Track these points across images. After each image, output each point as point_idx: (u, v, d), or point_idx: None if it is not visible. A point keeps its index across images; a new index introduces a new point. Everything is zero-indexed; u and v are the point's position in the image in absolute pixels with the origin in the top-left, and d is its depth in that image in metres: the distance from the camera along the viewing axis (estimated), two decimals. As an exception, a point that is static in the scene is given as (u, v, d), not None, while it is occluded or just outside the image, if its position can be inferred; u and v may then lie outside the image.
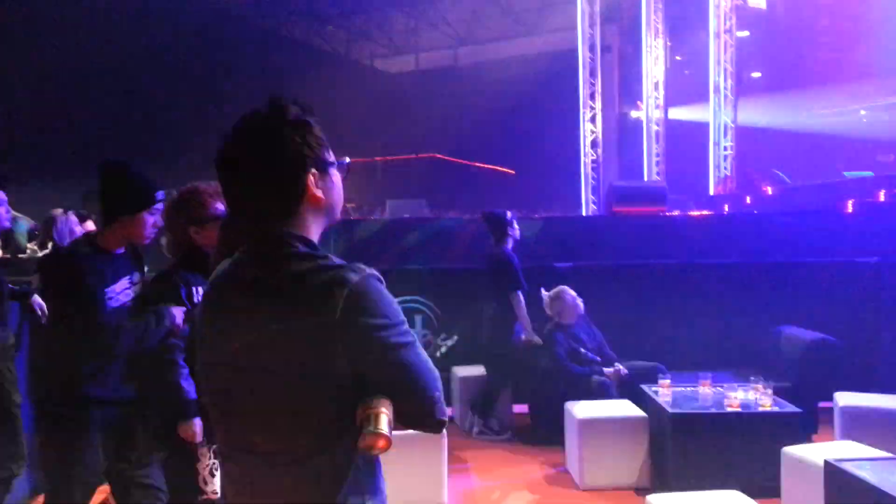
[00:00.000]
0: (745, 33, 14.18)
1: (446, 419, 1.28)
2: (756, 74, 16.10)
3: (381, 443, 1.15)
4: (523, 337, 5.19)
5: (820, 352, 5.05)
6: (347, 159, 1.39)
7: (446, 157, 15.15)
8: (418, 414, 1.25)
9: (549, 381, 5.13)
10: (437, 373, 1.27)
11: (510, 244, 5.33)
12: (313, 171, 1.27)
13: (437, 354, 5.82)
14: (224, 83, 14.15)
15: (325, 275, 1.19)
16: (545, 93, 15.81)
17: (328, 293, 1.17)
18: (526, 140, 16.59)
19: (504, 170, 15.33)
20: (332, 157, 1.33)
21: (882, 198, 7.03)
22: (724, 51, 12.41)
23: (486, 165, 15.62)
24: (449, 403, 5.63)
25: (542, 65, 16.64)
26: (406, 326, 1.24)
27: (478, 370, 5.50)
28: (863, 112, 15.62)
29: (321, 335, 1.16)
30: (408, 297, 5.78)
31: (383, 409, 1.18)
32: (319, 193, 1.28)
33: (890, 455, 3.48)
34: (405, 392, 1.22)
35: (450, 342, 5.87)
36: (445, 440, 4.05)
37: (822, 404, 4.87)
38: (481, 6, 18.82)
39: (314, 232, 1.31)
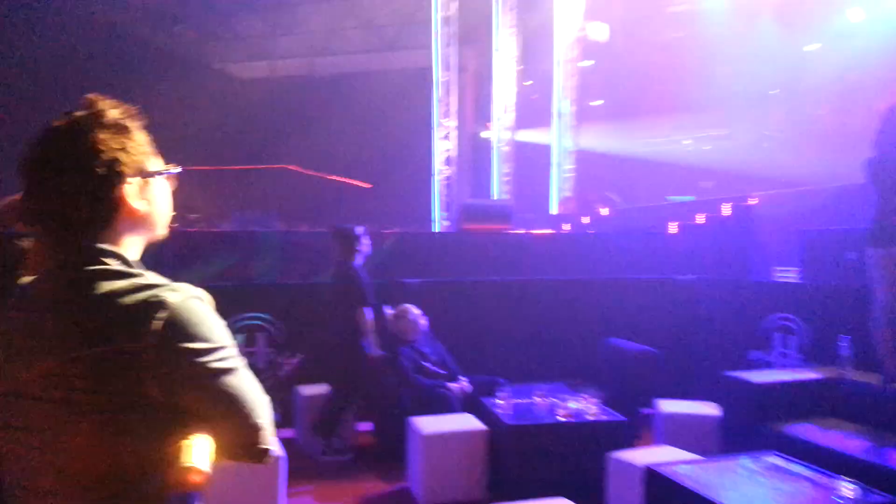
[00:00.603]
0: (591, 62, 15.13)
1: (273, 450, 1.21)
2: (598, 102, 17.21)
3: (196, 477, 1.06)
4: (369, 354, 5.16)
5: (642, 362, 5.45)
6: (176, 168, 1.29)
7: (299, 169, 14.83)
8: (241, 444, 1.16)
9: (394, 397, 5.14)
10: (264, 399, 1.19)
11: (359, 259, 5.30)
12: (132, 180, 1.17)
13: (281, 373, 5.66)
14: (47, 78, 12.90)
15: (139, 295, 1.09)
16: (402, 109, 15.94)
17: (143, 315, 1.07)
18: (383, 155, 16.62)
19: (359, 183, 15.25)
20: (157, 166, 1.24)
21: (700, 220, 7.72)
22: (567, 79, 13.15)
23: (341, 178, 15.46)
24: (292, 424, 5.48)
25: (400, 81, 16.77)
26: (231, 350, 1.16)
27: (323, 389, 5.40)
28: (686, 142, 17.16)
29: (133, 362, 1.06)
30: (250, 314, 5.58)
31: (200, 441, 1.10)
32: (138, 205, 1.18)
33: (702, 458, 3.80)
34: (226, 421, 1.13)
35: (294, 360, 5.72)
36: (284, 464, 3.93)
37: (645, 411, 5.25)
38: (341, 18, 18.71)
39: (131, 247, 1.20)
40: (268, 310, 5.66)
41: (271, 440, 1.18)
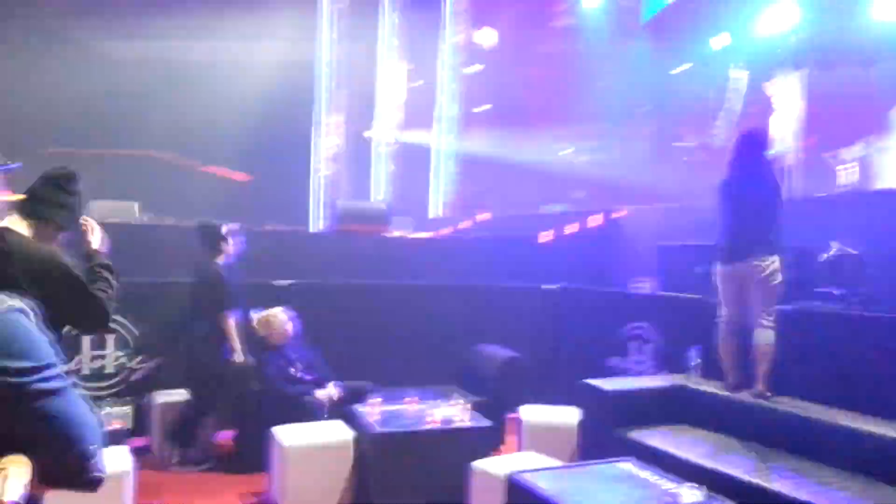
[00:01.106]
0: (476, 68, 15.37)
1: (102, 476, 1.08)
2: (482, 108, 17.52)
3: None
4: (232, 359, 4.95)
5: (510, 368, 5.59)
6: (14, 164, 1.13)
7: (169, 157, 14.03)
8: (65, 472, 1.05)
9: (258, 404, 4.96)
10: (93, 422, 1.07)
11: (224, 259, 5.08)
12: None
13: (133, 378, 5.31)
14: None
15: None
16: (284, 102, 15.45)
17: None
18: (262, 148, 16.05)
19: (235, 175, 14.65)
20: None
21: (570, 231, 8.03)
22: (453, 82, 13.29)
23: (215, 169, 14.77)
24: (146, 433, 5.16)
25: (283, 73, 16.27)
26: (55, 369, 1.03)
27: (180, 395, 5.12)
28: (565, 151, 17.84)
29: None
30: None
31: (13, 469, 0.97)
32: None
33: (563, 464, 3.92)
34: (49, 447, 1.02)
35: (150, 365, 5.38)
36: (133, 477, 3.69)
37: (511, 416, 5.37)
38: (223, 2, 17.89)
39: None
40: (119, 310, 5.29)
41: (100, 467, 1.07)
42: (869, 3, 9.03)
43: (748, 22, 10.11)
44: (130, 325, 5.34)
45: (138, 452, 4.64)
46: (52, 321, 1.69)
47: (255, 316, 5.15)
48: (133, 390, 5.28)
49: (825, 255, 4.95)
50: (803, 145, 11.79)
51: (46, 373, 1.02)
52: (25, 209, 2.33)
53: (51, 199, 2.37)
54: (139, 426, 5.09)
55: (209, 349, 4.93)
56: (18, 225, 2.26)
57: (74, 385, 1.06)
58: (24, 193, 2.39)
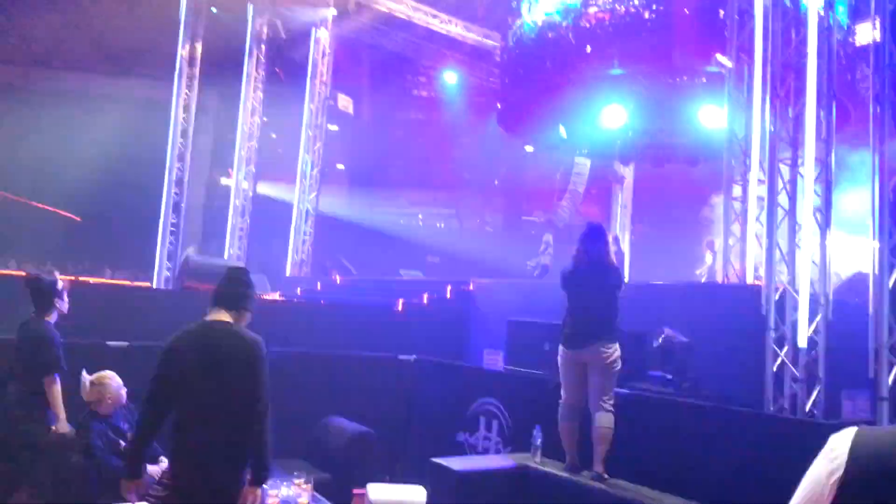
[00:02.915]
0: (335, 128, 15.47)
1: None
2: (340, 166, 17.60)
3: None
4: (54, 427, 4.47)
5: (360, 443, 5.48)
6: None
7: (5, 195, 12.75)
8: None
9: (81, 478, 4.48)
10: None
11: (55, 317, 4.64)
12: None
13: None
14: None
15: None
16: (134, 142, 14.66)
17: None
18: (105, 188, 15.03)
19: (68, 214, 13.54)
20: None
21: (425, 300, 8.16)
22: (313, 141, 13.26)
23: (46, 207, 13.57)
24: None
25: (133, 111, 15.46)
26: None
27: (-13, 469, 4.52)
28: (420, 216, 18.30)
29: None
30: None
31: None
32: None
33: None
34: None
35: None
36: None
37: (359, 492, 5.24)
38: (67, 33, 16.78)
39: None
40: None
41: None
42: (695, 110, 10.17)
43: (590, 117, 11.01)
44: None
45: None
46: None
47: (87, 378, 4.70)
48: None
49: (658, 341, 5.38)
50: (632, 232, 12.94)
51: None
52: (223, 303, 3.35)
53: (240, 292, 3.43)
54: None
55: (27, 415, 4.43)
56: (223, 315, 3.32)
57: None
58: (216, 292, 3.41)
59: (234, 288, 3.41)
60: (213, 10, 13.32)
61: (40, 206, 14.26)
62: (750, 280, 6.73)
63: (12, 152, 14.32)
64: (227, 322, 3.29)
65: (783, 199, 6.17)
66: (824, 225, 5.84)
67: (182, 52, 12.09)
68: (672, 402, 4.89)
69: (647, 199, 12.58)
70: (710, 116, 10.54)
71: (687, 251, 11.79)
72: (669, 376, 5.46)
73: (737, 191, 7.54)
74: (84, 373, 4.70)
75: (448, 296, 8.21)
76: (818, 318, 5.56)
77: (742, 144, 7.48)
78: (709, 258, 10.38)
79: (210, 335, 3.28)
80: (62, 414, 4.49)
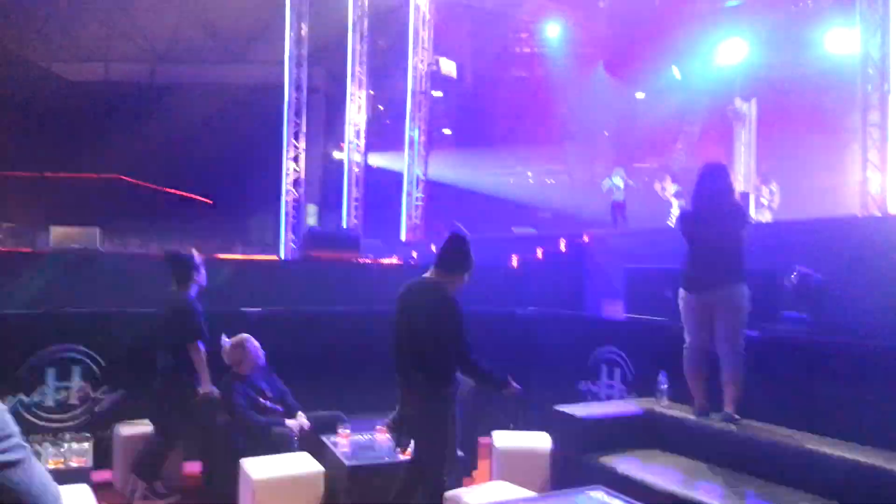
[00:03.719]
0: (439, 93, 15.52)
1: None
2: (447, 131, 17.68)
3: None
4: (201, 390, 4.85)
5: (482, 393, 5.55)
6: None
7: (133, 180, 13.80)
8: None
9: (226, 435, 4.86)
10: (56, 492, 1.03)
11: (194, 290, 4.99)
12: None
13: (97, 409, 5.17)
14: None
15: None
16: (249, 125, 15.44)
17: None
18: (227, 171, 15.96)
19: (201, 198, 14.48)
20: None
21: (539, 255, 8.10)
22: (419, 108, 13.39)
23: (179, 192, 14.58)
24: (109, 466, 5.02)
25: (247, 96, 16.25)
26: (14, 440, 0.98)
27: (145, 427, 4.99)
28: (530, 174, 18.09)
29: None
30: (63, 346, 5.06)
31: None
32: None
33: (534, 495, 3.92)
34: None
35: (115, 396, 5.25)
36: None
37: (483, 440, 5.35)
38: (184, 24, 17.79)
39: None
40: (84, 340, 5.16)
41: None
42: (821, 35, 9.38)
43: (705, 54, 10.41)
44: (96, 355, 5.20)
45: (101, 488, 4.51)
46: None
47: (227, 342, 5.06)
48: (97, 422, 5.13)
49: (791, 279, 5.07)
50: (757, 171, 12.16)
51: (5, 444, 0.98)
52: (439, 264, 3.86)
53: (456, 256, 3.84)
54: (102, 460, 4.94)
55: (177, 380, 4.83)
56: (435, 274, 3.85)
57: (34, 454, 1.02)
58: (438, 255, 3.86)
59: (448, 251, 3.87)
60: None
61: (175, 192, 15.34)
62: (893, 210, 6.17)
63: (145, 145, 15.45)
64: (435, 280, 3.85)
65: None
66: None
67: (290, 33, 12.49)
68: (807, 341, 4.60)
69: (772, 135, 11.76)
70: (838, 41, 9.70)
71: (817, 187, 10.97)
72: (805, 316, 5.15)
73: (874, 117, 6.91)
74: (224, 337, 5.06)
75: (563, 249, 8.11)
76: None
77: (879, 66, 6.82)
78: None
79: (418, 289, 3.91)
80: (207, 377, 4.84)
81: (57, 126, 14.96)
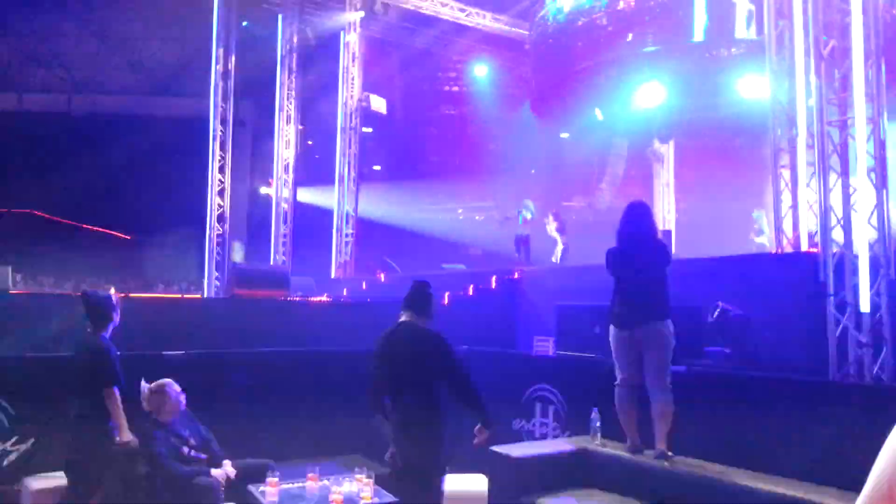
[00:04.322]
0: (369, 129, 15.55)
1: None
2: (377, 167, 17.70)
3: None
4: (118, 439, 4.57)
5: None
6: None
7: (47, 216, 13.14)
8: None
9: (147, 487, 4.59)
10: None
11: (109, 330, 4.74)
12: None
13: (5, 463, 4.80)
14: None
15: None
16: (174, 159, 15.04)
17: None
18: (149, 207, 15.44)
19: (118, 234, 13.91)
20: None
21: (470, 292, 8.13)
22: (349, 144, 13.36)
23: (97, 228, 13.97)
24: (15, 525, 4.65)
25: (172, 129, 15.86)
26: None
27: (58, 480, 4.65)
28: (460, 210, 18.27)
29: None
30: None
31: None
32: None
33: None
34: None
35: (23, 447, 4.89)
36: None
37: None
38: (106, 55, 17.29)
39: None
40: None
41: None
42: (734, 81, 9.91)
43: (625, 97, 10.83)
44: (5, 403, 4.84)
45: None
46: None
47: (146, 386, 4.81)
48: (3, 476, 4.75)
49: (713, 315, 5.25)
50: (677, 209, 12.69)
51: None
52: (409, 307, 4.25)
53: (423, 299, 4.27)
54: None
55: (92, 428, 4.54)
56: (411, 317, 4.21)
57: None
58: (406, 299, 4.28)
59: (416, 296, 4.28)
60: (244, 23, 13.53)
61: (91, 227, 14.70)
62: (805, 248, 6.52)
63: (60, 178, 14.79)
64: (414, 322, 4.19)
65: (835, 162, 5.95)
66: (881, 185, 5.62)
67: (217, 66, 12.29)
68: (733, 377, 4.76)
69: (689, 176, 12.31)
70: (750, 86, 10.27)
71: (734, 225, 11.51)
72: (727, 350, 5.33)
73: (784, 160, 7.32)
74: (143, 382, 4.81)
75: (493, 286, 8.16)
76: (880, 279, 5.36)
77: (787, 111, 7.26)
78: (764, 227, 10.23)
79: (400, 332, 4.22)
80: (125, 424, 4.57)
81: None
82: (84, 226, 13.42)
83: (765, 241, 10.03)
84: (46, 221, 13.47)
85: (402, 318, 4.28)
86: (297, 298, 7.91)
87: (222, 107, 12.16)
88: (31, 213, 13.73)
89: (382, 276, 11.56)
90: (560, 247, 11.18)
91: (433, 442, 4.09)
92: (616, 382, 4.62)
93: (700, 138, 11.90)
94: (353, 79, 13.48)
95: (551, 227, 11.43)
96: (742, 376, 4.78)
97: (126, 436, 4.56)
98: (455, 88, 17.77)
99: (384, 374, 4.23)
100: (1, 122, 17.22)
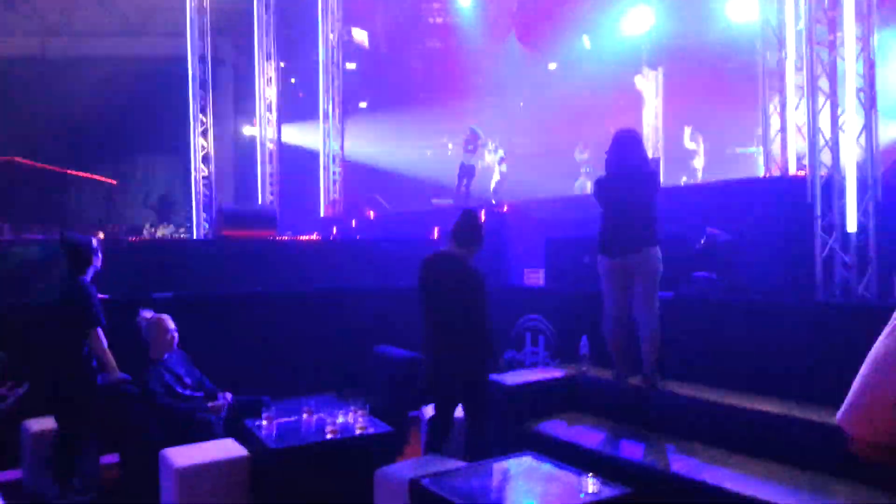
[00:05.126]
0: (353, 65, 15.19)
1: None
2: (363, 104, 17.37)
3: None
4: (109, 377, 4.59)
5: (409, 368, 5.54)
6: None
7: (30, 163, 12.88)
8: None
9: (142, 425, 4.64)
10: None
11: (90, 274, 4.70)
12: None
13: (2, 406, 4.85)
14: None
15: None
16: (154, 99, 14.68)
17: None
18: (132, 149, 15.18)
19: (103, 179, 13.70)
20: None
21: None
22: (332, 81, 13.06)
23: (81, 174, 13.74)
24: (18, 465, 4.74)
25: (149, 69, 15.43)
26: None
27: (55, 422, 4.71)
28: (450, 145, 18.05)
29: None
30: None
31: None
32: None
33: (463, 464, 3.94)
34: None
35: (20, 391, 4.93)
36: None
37: (413, 414, 5.36)
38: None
39: None
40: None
41: None
42: (722, 4, 9.69)
43: (612, 24, 10.61)
44: (-4, 352, 4.86)
45: (11, 488, 4.25)
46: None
47: (146, 315, 4.82)
48: (2, 419, 4.81)
49: (701, 241, 5.27)
50: (665, 138, 12.58)
51: None
52: (455, 238, 4.23)
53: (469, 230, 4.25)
54: (10, 458, 4.65)
55: (79, 370, 4.56)
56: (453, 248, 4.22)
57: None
58: (452, 230, 4.24)
59: (462, 226, 4.25)
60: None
61: (76, 173, 14.46)
62: (793, 171, 6.50)
63: (40, 123, 14.47)
64: (454, 253, 4.22)
65: (823, 83, 5.87)
66: (869, 106, 5.57)
67: (191, 2, 11.87)
68: (720, 302, 4.81)
69: (679, 102, 12.15)
70: (738, 9, 10.08)
71: (723, 151, 11.46)
72: (715, 276, 5.37)
73: (773, 83, 7.23)
74: (141, 310, 4.82)
75: (482, 220, 8.12)
76: (867, 200, 5.37)
77: (777, 33, 7.12)
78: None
79: (441, 262, 4.27)
80: (111, 361, 4.57)
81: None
82: (68, 172, 13.17)
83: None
84: (30, 169, 13.22)
85: (445, 248, 4.31)
86: (286, 238, 7.88)
87: (199, 44, 11.79)
88: (12, 161, 13.42)
89: (371, 213, 11.51)
90: (496, 178, 11.33)
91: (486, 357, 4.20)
92: (604, 310, 4.66)
93: (689, 64, 11.70)
94: (333, 12, 13.08)
95: (579, 157, 11.54)
96: (729, 301, 4.83)
97: (114, 373, 4.58)
98: (439, 20, 17.27)
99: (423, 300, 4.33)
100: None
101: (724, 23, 10.51)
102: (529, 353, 5.78)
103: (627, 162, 4.64)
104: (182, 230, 12.85)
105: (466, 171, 11.39)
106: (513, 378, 4.78)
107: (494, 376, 4.76)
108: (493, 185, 11.31)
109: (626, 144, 4.71)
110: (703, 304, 4.89)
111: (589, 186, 11.13)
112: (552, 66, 15.14)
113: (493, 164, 11.58)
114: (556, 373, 4.94)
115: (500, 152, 11.65)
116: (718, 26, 10.67)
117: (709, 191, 6.69)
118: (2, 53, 17.46)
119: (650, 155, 8.07)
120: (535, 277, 6.34)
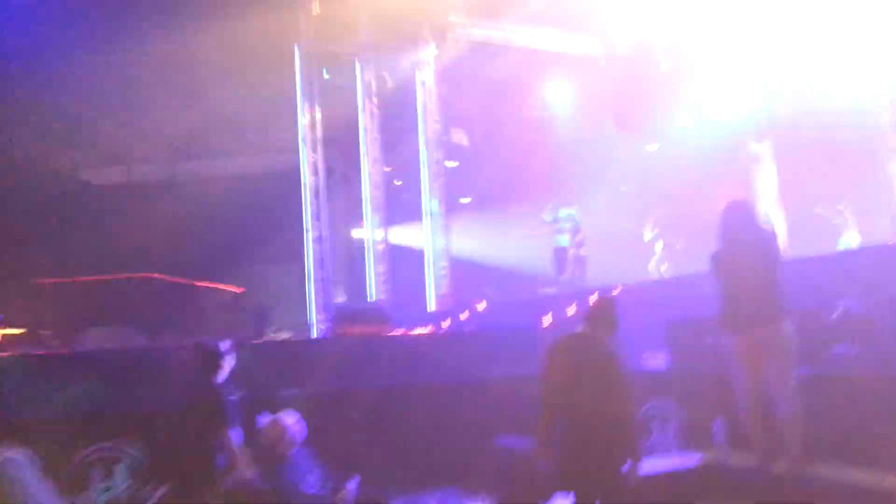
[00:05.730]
0: (454, 163, 15.73)
1: None
2: (465, 200, 17.83)
3: None
4: (241, 477, 4.71)
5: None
6: None
7: (166, 278, 13.96)
8: None
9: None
10: None
11: (221, 376, 4.92)
12: None
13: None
14: None
15: None
16: (271, 211, 15.71)
17: None
18: (253, 260, 16.15)
19: (232, 288, 14.61)
20: None
21: (570, 312, 7.99)
22: (435, 180, 13.55)
23: (210, 285, 14.74)
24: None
25: (266, 183, 16.62)
26: None
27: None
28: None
29: None
30: (103, 444, 5.02)
31: None
32: None
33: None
34: None
35: (159, 493, 5.16)
36: None
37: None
38: (200, 120, 18.37)
39: None
40: (126, 436, 5.13)
41: None
42: (824, 74, 9.45)
43: (712, 101, 10.53)
44: (140, 451, 5.15)
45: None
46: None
47: (264, 422, 4.98)
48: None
49: (836, 314, 4.94)
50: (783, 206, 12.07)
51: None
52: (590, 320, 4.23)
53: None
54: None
55: (209, 468, 4.72)
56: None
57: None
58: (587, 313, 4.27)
59: (598, 308, 4.31)
60: (325, 74, 14.07)
61: (205, 284, 15.50)
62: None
63: (171, 240, 15.73)
64: (590, 334, 4.16)
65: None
66: None
67: (303, 119, 12.83)
68: (861, 378, 4.44)
69: (790, 172, 11.71)
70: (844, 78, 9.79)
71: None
72: (854, 352, 4.98)
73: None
74: (261, 416, 4.99)
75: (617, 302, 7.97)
76: None
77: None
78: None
79: (578, 343, 4.20)
80: (243, 460, 4.70)
81: (84, 230, 15.33)
82: (199, 284, 14.16)
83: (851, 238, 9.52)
84: (163, 284, 14.31)
85: (578, 330, 4.24)
86: (398, 333, 8.01)
87: (312, 157, 12.65)
88: (151, 278, 14.59)
89: (481, 305, 11.56)
90: (657, 256, 11.00)
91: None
92: (737, 391, 4.40)
93: (798, 132, 11.35)
94: (431, 114, 13.73)
95: (647, 235, 11.34)
96: (872, 377, 4.45)
97: (246, 472, 4.70)
98: (535, 113, 17.73)
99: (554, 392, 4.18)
100: (115, 194, 18.64)
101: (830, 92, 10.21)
102: (658, 442, 5.49)
103: (743, 231, 4.49)
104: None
105: (560, 255, 11.40)
106: (648, 465, 4.54)
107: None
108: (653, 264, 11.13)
109: (740, 214, 4.59)
110: (844, 381, 4.52)
111: (664, 268, 10.85)
112: (652, 147, 15.08)
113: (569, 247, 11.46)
114: (691, 459, 4.65)
115: (579, 236, 11.52)
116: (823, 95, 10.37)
117: (840, 261, 6.30)
118: (138, 178, 19.42)
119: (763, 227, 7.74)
120: (656, 360, 6.09)
